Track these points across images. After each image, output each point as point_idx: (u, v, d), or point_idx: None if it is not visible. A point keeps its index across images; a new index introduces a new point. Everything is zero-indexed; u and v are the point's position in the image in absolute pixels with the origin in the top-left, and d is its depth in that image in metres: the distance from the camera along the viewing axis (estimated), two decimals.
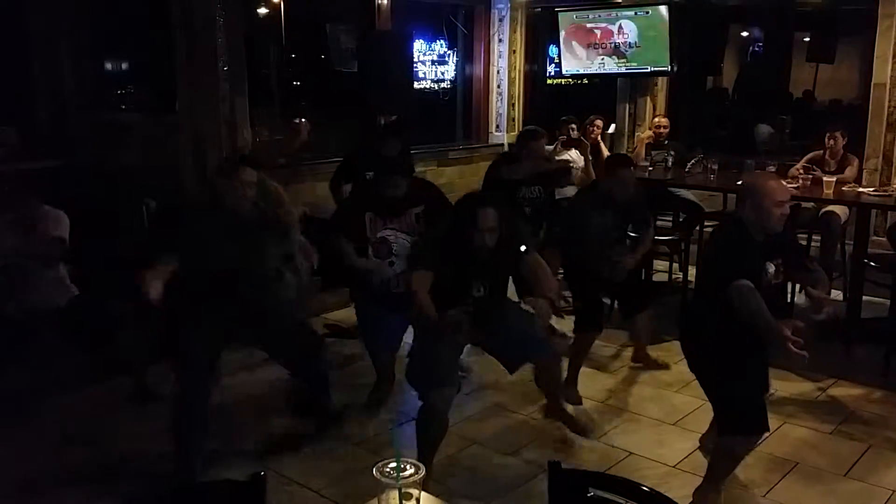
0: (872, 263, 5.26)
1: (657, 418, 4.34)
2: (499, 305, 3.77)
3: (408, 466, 1.77)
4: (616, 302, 5.26)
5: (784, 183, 3.41)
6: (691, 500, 3.44)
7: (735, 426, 3.34)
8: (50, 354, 4.30)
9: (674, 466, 3.79)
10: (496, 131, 8.51)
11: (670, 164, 6.63)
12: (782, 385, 4.65)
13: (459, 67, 8.67)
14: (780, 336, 3.04)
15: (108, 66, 7.01)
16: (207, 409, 3.64)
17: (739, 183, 3.35)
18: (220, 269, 3.56)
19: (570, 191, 6.68)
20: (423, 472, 1.79)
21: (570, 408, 4.27)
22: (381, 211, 4.20)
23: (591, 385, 4.71)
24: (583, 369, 4.63)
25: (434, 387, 3.48)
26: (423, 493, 1.80)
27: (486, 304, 3.67)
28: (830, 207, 5.95)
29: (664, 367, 4.97)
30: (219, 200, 3.63)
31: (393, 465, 1.76)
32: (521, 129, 5.77)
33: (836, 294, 6.00)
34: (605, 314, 4.96)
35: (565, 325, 4.89)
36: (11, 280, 4.16)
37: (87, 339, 4.23)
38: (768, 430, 3.41)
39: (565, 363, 4.33)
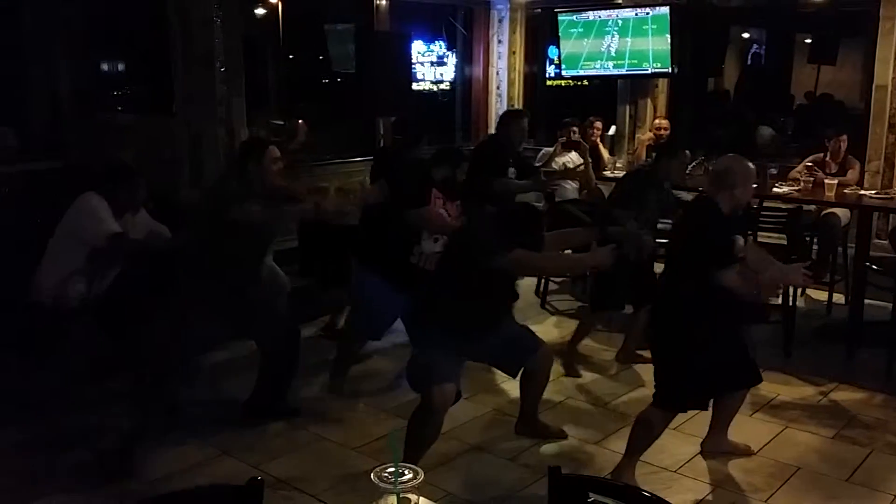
0: (874, 266, 5.23)
1: None
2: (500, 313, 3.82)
3: (406, 471, 1.76)
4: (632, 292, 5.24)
5: (753, 165, 3.58)
6: (609, 475, 3.52)
7: (661, 399, 3.55)
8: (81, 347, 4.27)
9: (675, 472, 3.75)
10: None
11: None
12: (784, 389, 4.63)
13: (459, 69, 8.66)
14: (762, 285, 3.35)
15: (105, 67, 6.98)
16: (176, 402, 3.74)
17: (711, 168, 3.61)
18: (242, 254, 3.76)
19: (571, 192, 6.65)
20: (421, 476, 1.77)
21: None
22: (444, 190, 4.32)
23: (592, 389, 4.69)
24: (584, 373, 4.59)
25: (435, 383, 3.46)
26: (421, 499, 1.78)
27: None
28: (830, 209, 5.92)
29: (649, 361, 4.96)
30: (249, 184, 3.80)
31: (391, 469, 1.75)
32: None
33: (839, 298, 6.00)
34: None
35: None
36: (94, 267, 4.11)
37: (117, 332, 4.22)
38: (695, 409, 3.69)
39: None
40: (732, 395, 3.80)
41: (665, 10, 7.12)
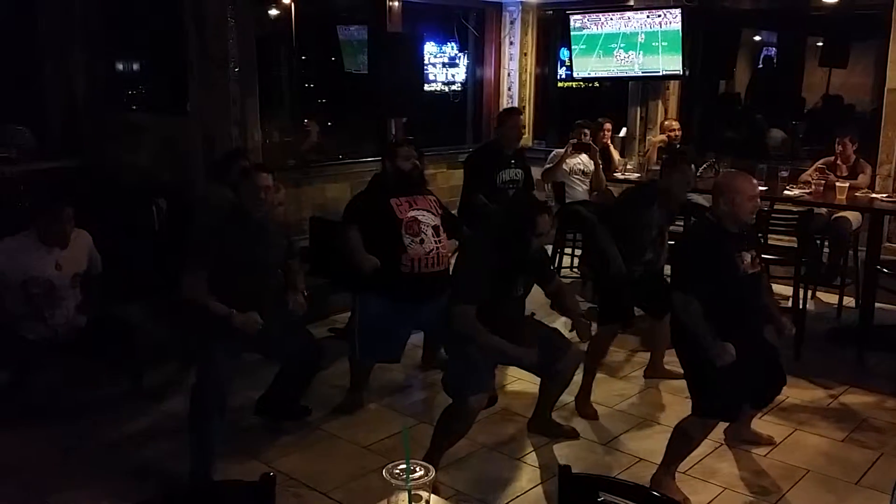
0: (885, 270, 5.22)
1: (667, 424, 4.29)
2: (521, 318, 3.85)
3: (417, 468, 1.78)
4: (644, 304, 5.22)
5: (754, 180, 3.57)
6: (650, 485, 3.44)
7: (697, 407, 3.52)
8: (72, 373, 4.30)
9: (684, 472, 3.75)
10: None
11: None
12: (794, 392, 4.62)
13: (470, 70, 8.68)
14: (714, 351, 3.33)
15: (120, 66, 7.03)
16: (225, 409, 3.69)
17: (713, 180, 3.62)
18: (243, 271, 3.69)
19: (581, 194, 6.66)
20: (432, 473, 1.79)
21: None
22: (405, 193, 4.31)
23: (603, 390, 4.69)
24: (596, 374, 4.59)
25: (473, 392, 3.53)
26: (432, 496, 1.80)
27: (519, 306, 3.80)
28: (842, 213, 5.92)
29: (679, 377, 4.93)
30: (242, 205, 3.77)
31: (402, 466, 1.76)
32: (525, 131, 5.73)
33: (849, 301, 5.99)
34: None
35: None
36: (40, 301, 4.09)
37: (105, 353, 4.24)
38: (729, 419, 3.71)
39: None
40: None
41: (676, 11, 7.11)
